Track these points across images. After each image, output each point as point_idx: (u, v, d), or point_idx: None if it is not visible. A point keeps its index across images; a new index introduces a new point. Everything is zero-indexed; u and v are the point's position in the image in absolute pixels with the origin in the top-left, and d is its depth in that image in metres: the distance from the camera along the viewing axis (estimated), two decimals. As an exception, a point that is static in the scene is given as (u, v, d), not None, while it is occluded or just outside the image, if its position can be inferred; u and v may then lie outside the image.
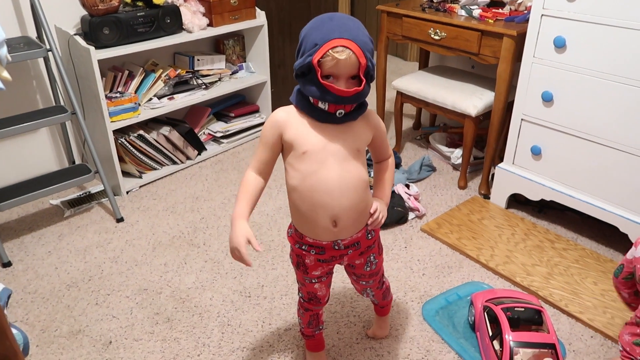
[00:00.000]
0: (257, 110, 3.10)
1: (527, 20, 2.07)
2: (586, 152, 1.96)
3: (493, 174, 2.41)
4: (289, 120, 1.19)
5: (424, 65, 3.02)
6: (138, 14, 2.35)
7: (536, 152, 2.12)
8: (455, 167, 2.69)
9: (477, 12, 2.31)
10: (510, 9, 2.32)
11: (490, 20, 2.23)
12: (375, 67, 1.17)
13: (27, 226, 2.27)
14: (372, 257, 1.37)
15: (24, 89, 2.39)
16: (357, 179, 1.21)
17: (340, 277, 1.91)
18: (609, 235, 2.12)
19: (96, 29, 2.24)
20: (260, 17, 2.87)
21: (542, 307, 1.56)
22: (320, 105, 1.13)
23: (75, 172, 2.27)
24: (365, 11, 4.58)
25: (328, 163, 1.17)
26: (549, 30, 1.93)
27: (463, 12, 2.37)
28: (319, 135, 1.17)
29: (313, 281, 1.36)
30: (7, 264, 2.02)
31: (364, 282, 1.44)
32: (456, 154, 2.64)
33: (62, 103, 2.44)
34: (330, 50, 1.05)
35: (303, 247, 1.31)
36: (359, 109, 1.18)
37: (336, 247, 1.28)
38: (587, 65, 1.85)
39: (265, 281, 1.93)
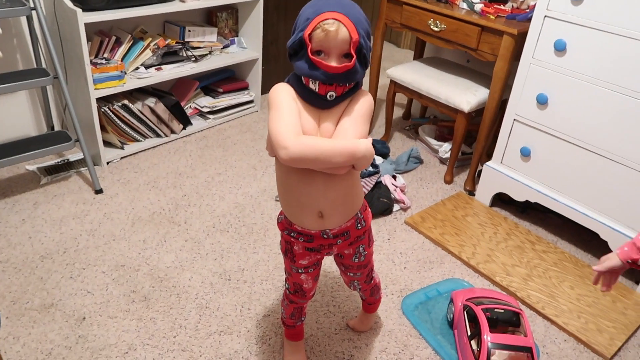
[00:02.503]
0: (246, 87, 3.03)
1: (528, 19, 2.05)
2: (575, 158, 1.97)
3: (480, 171, 2.41)
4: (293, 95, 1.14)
5: (419, 55, 2.98)
6: (130, -22, 2.25)
7: (525, 154, 2.12)
8: (442, 160, 2.69)
9: (479, 6, 2.28)
10: (512, 6, 2.29)
11: (491, 16, 2.20)
12: (371, 51, 1.12)
13: (0, 192, 2.19)
14: (361, 248, 1.35)
15: (3, 47, 2.27)
16: (346, 172, 1.16)
17: (323, 267, 1.90)
18: (589, 241, 2.15)
19: (84, -10, 2.14)
20: (257, -8, 2.78)
21: (521, 309, 1.58)
22: (311, 85, 1.08)
23: (55, 138, 2.18)
24: (362, -7, 4.49)
25: None
26: (550, 32, 1.91)
27: (465, 5, 2.33)
28: (311, 120, 1.13)
29: (300, 271, 1.34)
30: (-22, 230, 1.95)
31: (351, 274, 1.43)
32: (444, 148, 2.63)
33: (43, 65, 2.33)
34: (320, 23, 1.03)
35: (292, 235, 1.28)
36: (351, 91, 1.13)
37: (325, 236, 1.26)
38: (586, 72, 1.85)
39: (246, 265, 1.90)
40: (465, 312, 1.60)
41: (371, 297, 1.57)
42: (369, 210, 1.36)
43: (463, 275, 1.95)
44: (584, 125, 1.91)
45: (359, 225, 1.30)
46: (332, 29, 1.02)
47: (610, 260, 1.21)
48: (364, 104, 1.14)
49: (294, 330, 1.52)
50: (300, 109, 1.12)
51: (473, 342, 1.51)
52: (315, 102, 1.12)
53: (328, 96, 1.09)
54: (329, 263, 1.89)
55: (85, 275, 1.80)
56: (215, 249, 1.97)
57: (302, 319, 1.50)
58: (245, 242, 2.02)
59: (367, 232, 1.35)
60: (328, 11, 1.03)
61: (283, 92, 1.13)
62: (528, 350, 1.45)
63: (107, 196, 2.22)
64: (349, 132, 1.11)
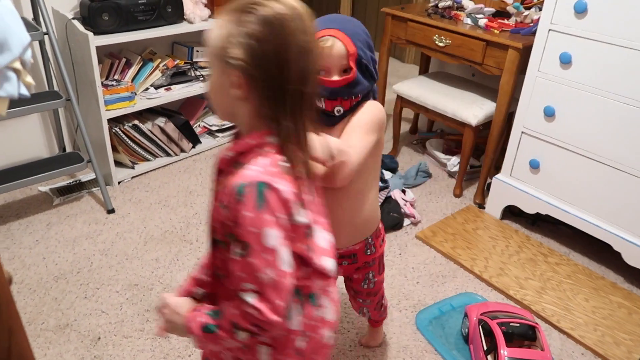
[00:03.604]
0: (253, 106, 3.05)
1: (533, 33, 2.07)
2: (585, 169, 1.97)
3: (489, 184, 2.41)
4: None
5: (424, 70, 3.01)
6: (139, 1, 2.29)
7: (535, 166, 2.13)
8: (451, 174, 2.69)
9: (482, 21, 2.30)
10: (516, 20, 2.31)
11: (495, 31, 2.23)
12: (376, 63, 1.11)
13: (14, 213, 2.21)
14: (370, 275, 1.33)
15: (16, 71, 2.32)
16: (353, 191, 1.16)
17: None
18: (601, 252, 2.14)
19: (95, 14, 2.18)
20: (263, 12, 2.82)
21: (536, 323, 1.57)
22: (318, 103, 1.07)
23: (67, 160, 2.21)
24: (365, 12, 4.55)
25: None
26: (555, 45, 1.93)
27: (469, 21, 2.36)
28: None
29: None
30: (-7, 252, 1.97)
31: (360, 300, 1.41)
32: (453, 162, 2.64)
33: (55, 88, 2.37)
34: None
35: None
36: (359, 105, 1.11)
37: (352, 252, 1.26)
38: (592, 84, 1.86)
39: (258, 282, 1.91)
40: (480, 327, 1.59)
41: (379, 318, 1.56)
42: (384, 238, 1.32)
43: (476, 289, 1.94)
44: (592, 136, 1.91)
45: (368, 250, 1.27)
46: (327, 44, 1.03)
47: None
48: (364, 112, 1.09)
49: None
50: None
51: (490, 357, 1.51)
52: (324, 119, 1.11)
53: (335, 111, 1.08)
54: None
55: (99, 295, 1.80)
56: (227, 267, 1.97)
57: None
58: (257, 260, 2.02)
59: (377, 260, 1.32)
60: (323, 29, 1.03)
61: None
62: (545, 364, 1.44)
63: (119, 216, 2.23)
64: (347, 141, 1.06)
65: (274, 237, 0.77)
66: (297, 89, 0.79)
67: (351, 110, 1.11)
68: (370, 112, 1.10)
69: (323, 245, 0.90)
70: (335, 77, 1.05)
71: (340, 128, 1.12)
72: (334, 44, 1.03)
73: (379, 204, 2.19)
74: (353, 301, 1.46)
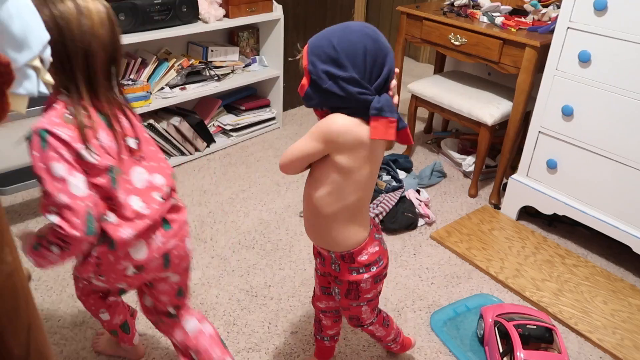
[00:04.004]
0: (268, 105, 3.06)
1: (550, 31, 2.04)
2: (603, 169, 1.94)
3: (505, 184, 2.38)
4: None
5: (439, 69, 2.99)
6: (155, 1, 2.31)
7: (552, 166, 2.10)
8: (466, 174, 2.67)
9: (499, 19, 2.28)
10: (533, 18, 2.28)
11: (512, 29, 2.20)
12: (328, 73, 1.05)
13: (31, 211, 2.24)
14: (336, 289, 1.30)
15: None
16: (308, 196, 1.20)
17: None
18: (620, 254, 2.11)
19: (112, 14, 2.20)
20: (277, 11, 2.83)
21: (553, 325, 1.55)
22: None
23: (84, 158, 2.23)
24: (379, 11, 4.53)
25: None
26: (574, 43, 1.90)
27: (485, 19, 2.34)
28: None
29: (315, 269, 1.41)
30: (11, 249, 1.99)
31: (338, 298, 1.35)
32: (468, 162, 2.62)
33: (72, 87, 2.39)
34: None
35: None
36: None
37: (319, 251, 1.30)
38: (612, 82, 1.83)
39: (272, 281, 1.91)
40: (496, 329, 1.58)
41: (385, 340, 1.50)
42: (363, 270, 1.23)
43: (491, 290, 1.92)
44: (611, 135, 1.88)
45: (332, 265, 1.26)
46: (298, 57, 1.12)
47: None
48: (318, 122, 1.12)
49: (318, 345, 1.53)
50: None
51: (505, 359, 1.48)
52: None
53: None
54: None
55: (114, 293, 1.82)
56: (241, 266, 1.98)
57: (325, 338, 1.50)
58: (271, 259, 2.02)
59: (345, 283, 1.25)
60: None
61: None
62: (563, 367, 1.41)
63: (134, 214, 2.25)
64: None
65: (61, 169, 0.99)
66: (79, 54, 1.02)
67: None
68: (322, 121, 1.10)
69: (138, 185, 1.13)
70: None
71: None
72: (300, 57, 1.11)
73: (394, 204, 2.19)
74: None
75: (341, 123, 1.08)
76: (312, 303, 1.48)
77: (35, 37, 0.59)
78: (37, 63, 0.60)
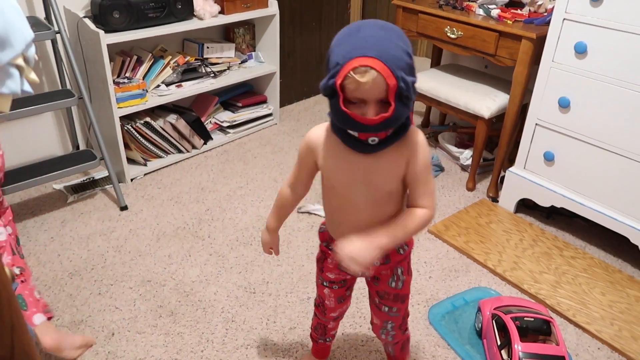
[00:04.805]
0: (264, 101, 3.05)
1: (547, 23, 2.03)
2: (601, 161, 1.93)
3: (502, 177, 2.38)
4: (321, 143, 1.09)
5: (436, 62, 2.97)
6: (149, -1, 2.30)
7: (549, 158, 2.09)
8: (463, 167, 2.66)
9: (495, 12, 2.27)
10: (529, 10, 2.27)
11: (508, 21, 2.19)
12: (414, 85, 0.94)
13: (29, 210, 2.24)
14: (399, 271, 1.25)
15: (30, 70, 2.34)
16: (387, 217, 1.10)
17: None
18: (618, 245, 2.10)
19: (106, 12, 2.19)
20: (272, 6, 2.82)
21: (551, 317, 1.55)
22: (350, 130, 0.99)
23: (80, 157, 2.23)
24: (376, 4, 4.51)
25: (357, 203, 1.09)
26: (570, 35, 1.89)
27: (481, 11, 2.32)
28: (349, 169, 1.06)
29: (324, 284, 1.33)
30: (9, 249, 2.00)
31: (386, 309, 1.30)
32: (465, 155, 2.61)
33: (68, 87, 2.39)
34: (351, 72, 0.90)
35: (330, 248, 1.26)
36: (397, 134, 1.00)
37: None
38: (609, 73, 1.82)
39: (270, 278, 1.91)
40: (493, 321, 1.58)
41: (401, 353, 1.48)
42: (407, 250, 1.26)
43: (489, 283, 1.92)
44: (608, 127, 1.87)
45: (400, 249, 1.22)
46: (364, 80, 0.89)
47: None
48: (424, 151, 1.03)
49: (317, 347, 1.52)
50: (336, 157, 1.07)
51: (503, 352, 1.49)
52: (358, 147, 1.01)
53: (370, 140, 0.99)
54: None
55: (113, 292, 1.82)
56: (239, 262, 1.98)
57: (328, 339, 1.50)
58: (269, 255, 2.02)
59: (407, 260, 1.27)
60: (359, 56, 0.89)
61: (302, 146, 1.13)
62: (561, 359, 1.41)
63: (132, 212, 2.25)
64: (424, 192, 1.07)
65: None
66: None
67: (390, 139, 1.00)
68: (426, 147, 1.05)
69: None
70: (371, 110, 0.93)
71: (386, 161, 1.04)
72: (372, 77, 0.89)
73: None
74: (376, 313, 1.34)
75: (309, 134, 1.12)
76: (319, 317, 1.43)
77: (19, 35, 0.59)
78: (20, 62, 0.59)
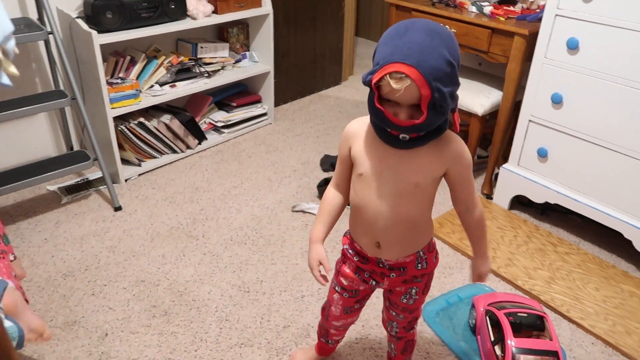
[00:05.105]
0: (259, 101, 3.05)
1: (539, 20, 2.03)
2: (594, 157, 1.94)
3: (496, 174, 2.38)
4: (359, 133, 1.11)
5: (430, 60, 2.97)
6: (142, -1, 2.29)
7: (542, 155, 2.09)
8: (458, 165, 2.66)
9: (488, 9, 2.27)
10: (522, 7, 2.27)
11: (501, 18, 2.19)
12: (452, 94, 0.96)
13: (23, 212, 2.24)
14: (413, 291, 1.26)
15: (23, 72, 2.34)
16: (408, 216, 1.12)
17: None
18: (612, 241, 2.11)
19: (99, 12, 2.19)
20: (266, 6, 2.82)
21: (544, 312, 1.55)
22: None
23: (74, 158, 2.23)
24: (371, 2, 4.52)
25: (382, 193, 1.09)
26: (562, 31, 1.89)
27: (474, 9, 2.33)
28: (379, 159, 1.08)
29: (336, 289, 1.32)
30: (3, 251, 1.99)
31: (394, 313, 1.34)
32: (460, 153, 2.61)
33: (61, 87, 2.39)
34: (387, 76, 0.91)
35: (350, 252, 1.26)
36: (431, 135, 1.02)
37: (380, 265, 1.22)
38: (600, 69, 1.82)
39: (264, 276, 1.91)
40: (487, 318, 1.58)
41: (402, 356, 1.47)
42: (437, 255, 1.27)
43: (484, 280, 1.92)
44: (601, 122, 1.88)
45: (419, 265, 1.22)
46: (397, 86, 0.90)
47: None
48: (467, 158, 1.08)
49: (319, 343, 1.53)
50: (369, 146, 1.09)
51: (497, 348, 1.49)
52: (390, 141, 1.04)
53: (401, 137, 1.01)
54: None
55: (106, 292, 1.82)
56: (233, 262, 1.97)
57: (330, 342, 1.50)
58: (263, 254, 2.02)
59: (425, 277, 1.26)
60: (397, 62, 0.90)
61: (342, 138, 1.15)
62: (554, 354, 1.41)
63: (126, 213, 2.25)
64: (463, 197, 1.18)
65: None
66: None
67: (423, 139, 1.02)
68: (467, 154, 1.10)
69: None
70: (404, 112, 0.96)
71: (420, 161, 1.07)
72: (406, 85, 0.90)
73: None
74: (386, 312, 1.39)
75: (347, 126, 1.15)
76: (323, 320, 1.43)
77: (-2, 29, 0.59)
78: (-1, 55, 0.59)
